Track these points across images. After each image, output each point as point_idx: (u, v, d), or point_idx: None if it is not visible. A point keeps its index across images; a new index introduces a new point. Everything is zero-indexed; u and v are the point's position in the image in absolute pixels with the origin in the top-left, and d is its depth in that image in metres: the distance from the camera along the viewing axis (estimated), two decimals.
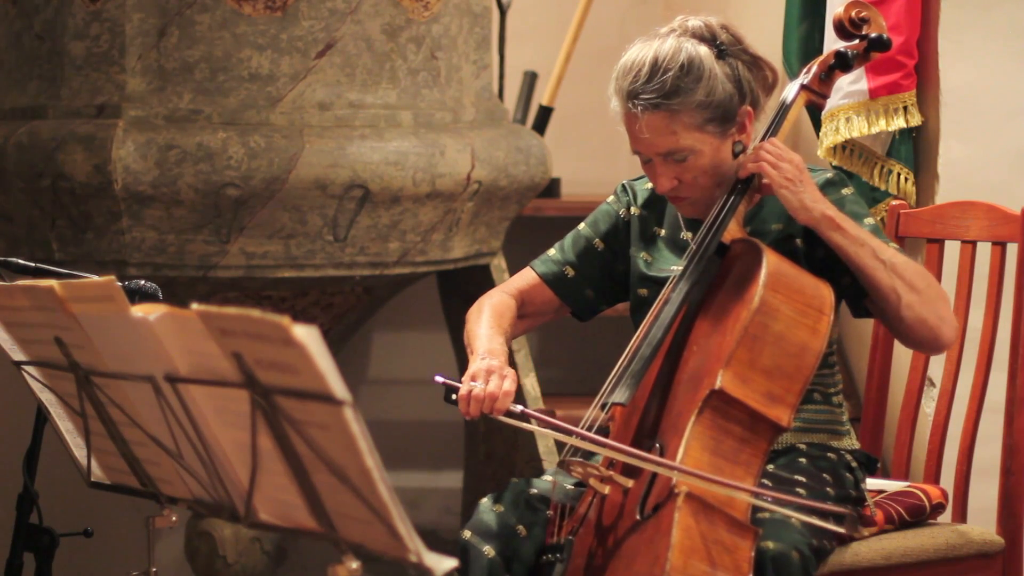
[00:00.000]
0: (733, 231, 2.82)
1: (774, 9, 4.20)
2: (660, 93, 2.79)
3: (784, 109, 2.93)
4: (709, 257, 2.80)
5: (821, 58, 2.97)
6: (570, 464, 2.73)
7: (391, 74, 4.03)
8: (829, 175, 2.97)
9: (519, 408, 2.75)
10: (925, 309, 2.81)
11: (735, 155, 2.88)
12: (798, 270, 2.74)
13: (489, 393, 2.74)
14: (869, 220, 2.92)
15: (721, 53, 2.84)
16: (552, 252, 3.10)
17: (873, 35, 2.97)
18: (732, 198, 2.85)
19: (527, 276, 3.11)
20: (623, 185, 3.09)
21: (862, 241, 2.79)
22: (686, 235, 2.99)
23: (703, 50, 2.82)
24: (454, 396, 2.78)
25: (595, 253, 3.06)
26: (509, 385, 2.76)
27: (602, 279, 3.06)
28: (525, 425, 2.78)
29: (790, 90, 2.96)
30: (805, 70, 2.98)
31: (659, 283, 2.91)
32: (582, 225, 3.09)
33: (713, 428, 2.64)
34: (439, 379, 2.79)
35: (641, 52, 2.83)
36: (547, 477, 2.91)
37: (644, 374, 2.75)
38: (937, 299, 2.84)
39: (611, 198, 3.09)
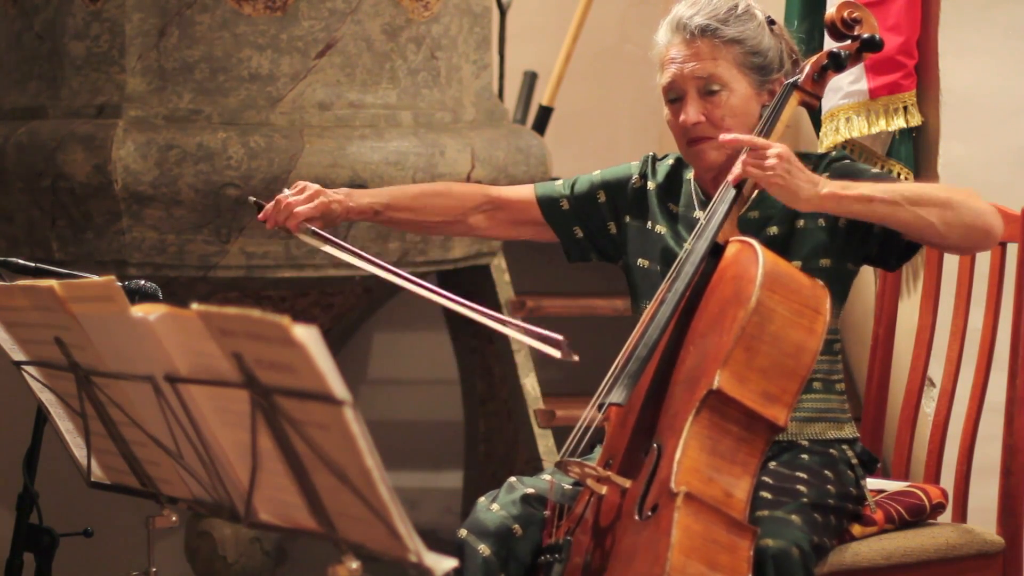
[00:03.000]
0: (728, 231, 2.82)
1: (774, 9, 4.20)
2: (713, 17, 2.91)
3: (777, 109, 2.93)
4: (703, 257, 2.80)
5: (814, 58, 2.98)
6: (567, 464, 2.73)
7: (391, 74, 4.03)
8: (832, 154, 2.99)
9: (312, 228, 2.91)
10: (963, 215, 2.80)
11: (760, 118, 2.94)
12: (794, 269, 2.74)
13: (288, 202, 2.93)
14: (875, 170, 2.95)
15: (771, 26, 2.97)
16: (558, 182, 3.15)
17: (865, 35, 2.97)
18: (726, 202, 2.85)
19: (524, 191, 3.16)
20: (649, 156, 3.12)
21: (869, 196, 2.79)
22: (698, 214, 2.99)
23: (757, 12, 2.96)
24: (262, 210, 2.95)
25: (594, 202, 3.09)
26: (305, 208, 2.93)
27: (593, 226, 3.09)
28: (319, 244, 2.89)
29: (782, 90, 2.97)
30: (798, 70, 2.99)
31: (670, 262, 2.94)
32: (597, 172, 3.13)
33: (710, 428, 2.64)
34: (252, 199, 3.00)
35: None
36: (544, 477, 2.92)
37: (641, 374, 2.75)
38: (967, 200, 2.82)
39: (634, 162, 3.12)
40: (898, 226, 2.81)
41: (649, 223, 3.05)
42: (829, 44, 3.13)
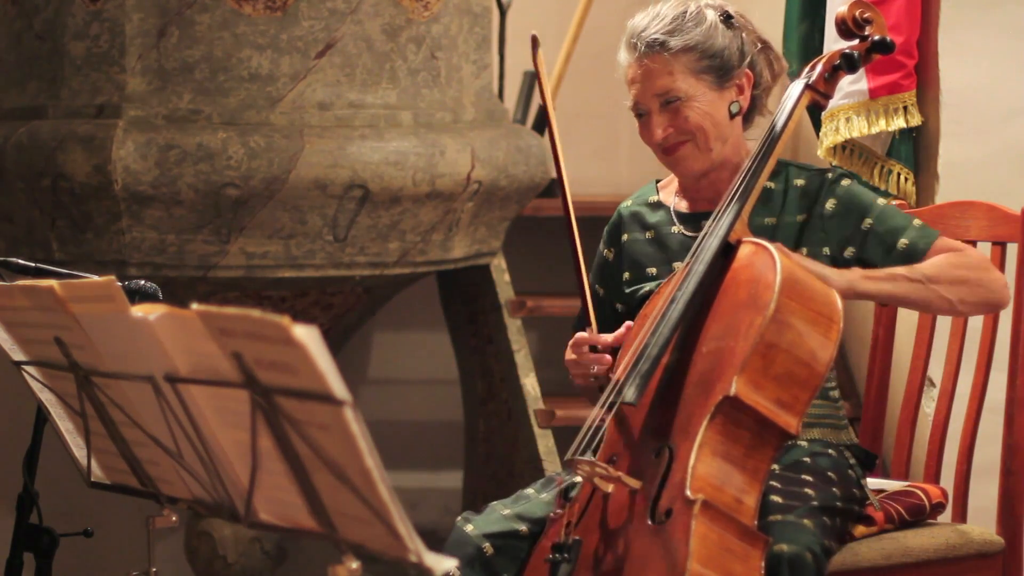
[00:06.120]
0: (739, 231, 2.81)
1: (774, 9, 4.20)
2: (660, 31, 2.92)
3: (790, 110, 2.92)
4: (715, 256, 2.79)
5: (826, 57, 2.96)
6: (576, 463, 2.71)
7: (391, 74, 4.03)
8: (829, 175, 2.98)
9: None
10: (978, 293, 2.88)
11: (731, 115, 2.95)
12: (809, 275, 2.72)
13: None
14: (880, 200, 2.95)
15: (728, 21, 2.95)
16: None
17: (877, 37, 2.96)
18: (738, 201, 2.84)
19: None
20: (606, 228, 3.14)
21: (892, 275, 2.83)
22: (677, 229, 3.00)
23: (710, 12, 2.95)
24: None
25: (599, 299, 3.10)
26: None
27: (617, 320, 3.07)
28: None
29: (794, 89, 2.96)
30: (808, 68, 2.97)
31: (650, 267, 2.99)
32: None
33: (723, 433, 2.62)
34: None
35: (649, 8, 2.99)
36: (529, 491, 2.93)
37: (653, 373, 2.73)
38: (980, 276, 2.88)
39: (600, 244, 3.15)
40: (917, 307, 2.92)
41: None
42: (832, 41, 3.13)
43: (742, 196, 2.84)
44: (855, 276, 2.82)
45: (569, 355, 2.90)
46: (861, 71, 3.77)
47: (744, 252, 2.78)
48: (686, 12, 2.94)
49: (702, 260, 2.79)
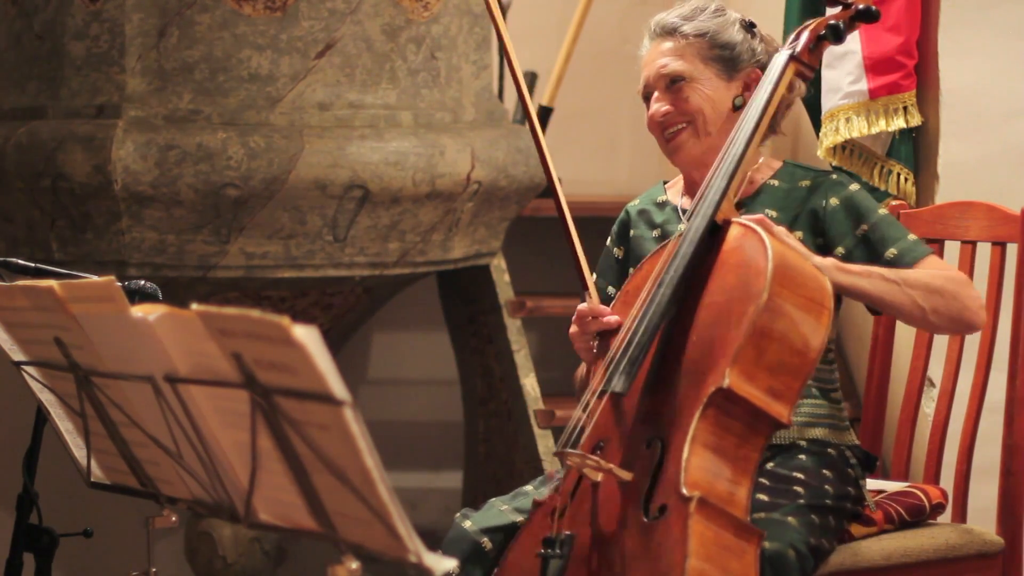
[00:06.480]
0: (727, 211, 2.78)
1: (774, 9, 4.20)
2: (679, 16, 3.00)
3: (774, 81, 2.89)
4: (702, 237, 2.76)
5: (811, 26, 2.91)
6: (566, 455, 2.69)
7: (391, 74, 4.03)
8: (833, 176, 2.98)
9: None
10: (952, 306, 2.84)
11: (735, 108, 2.96)
12: (799, 257, 2.68)
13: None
14: (882, 211, 2.94)
15: (750, 28, 3.01)
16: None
17: (861, 5, 2.94)
18: (724, 178, 2.81)
19: None
20: (614, 227, 3.15)
21: (868, 272, 2.81)
22: (683, 227, 2.99)
23: (732, 13, 3.02)
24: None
25: (608, 297, 3.09)
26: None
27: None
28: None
29: (778, 60, 2.91)
30: (793, 38, 2.93)
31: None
32: (595, 275, 3.12)
33: (716, 425, 2.60)
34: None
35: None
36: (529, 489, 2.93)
37: (643, 361, 2.71)
38: (959, 291, 2.85)
39: (608, 240, 3.16)
40: (888, 307, 2.86)
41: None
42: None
43: (727, 173, 2.81)
44: (829, 265, 2.77)
45: (573, 329, 2.89)
46: (861, 71, 3.77)
47: (733, 234, 2.74)
48: (708, 7, 3.01)
49: (690, 241, 2.75)
